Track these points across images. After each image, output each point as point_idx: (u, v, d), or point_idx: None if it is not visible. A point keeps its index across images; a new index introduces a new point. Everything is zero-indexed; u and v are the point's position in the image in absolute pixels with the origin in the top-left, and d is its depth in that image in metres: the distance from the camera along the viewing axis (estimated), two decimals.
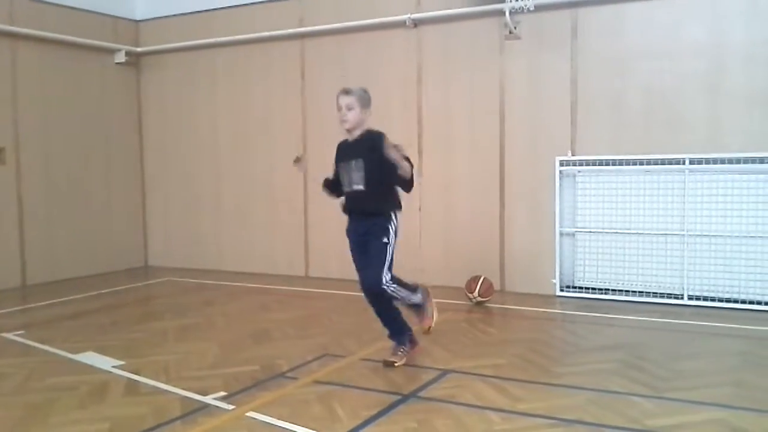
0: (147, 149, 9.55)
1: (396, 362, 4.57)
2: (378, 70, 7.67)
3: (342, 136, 4.68)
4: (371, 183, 4.45)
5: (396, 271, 4.52)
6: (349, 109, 4.47)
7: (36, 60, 8.17)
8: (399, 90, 7.62)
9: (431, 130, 7.52)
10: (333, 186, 4.76)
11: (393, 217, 4.53)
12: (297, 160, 4.87)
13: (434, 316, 4.78)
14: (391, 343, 4.71)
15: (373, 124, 4.68)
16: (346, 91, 4.50)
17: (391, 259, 4.49)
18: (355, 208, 4.60)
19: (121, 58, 9.04)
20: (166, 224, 9.47)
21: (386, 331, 4.73)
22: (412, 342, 4.72)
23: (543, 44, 6.90)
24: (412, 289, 4.65)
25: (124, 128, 9.30)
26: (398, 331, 4.68)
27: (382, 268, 4.40)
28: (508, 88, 7.11)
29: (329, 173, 4.78)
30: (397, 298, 4.55)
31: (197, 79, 9.05)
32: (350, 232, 4.65)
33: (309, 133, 8.14)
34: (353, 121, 4.49)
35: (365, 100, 4.52)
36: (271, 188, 8.56)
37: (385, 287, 4.40)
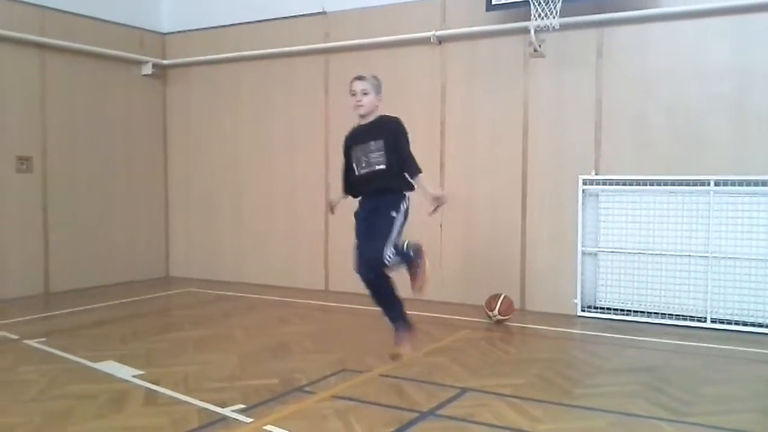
0: (171, 161, 9.65)
1: (402, 353, 4.55)
2: (402, 86, 7.69)
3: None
4: (391, 163, 4.49)
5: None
6: (364, 93, 4.57)
7: (65, 71, 8.31)
8: (422, 106, 7.63)
9: (454, 147, 7.52)
10: (349, 185, 4.83)
11: (406, 197, 4.57)
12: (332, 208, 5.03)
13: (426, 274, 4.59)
14: (394, 335, 4.66)
15: None
16: (360, 77, 4.63)
17: (396, 237, 4.45)
18: (370, 188, 4.59)
19: (148, 70, 9.16)
20: (188, 235, 9.54)
21: (386, 318, 4.70)
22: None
23: (567, 63, 6.89)
24: (406, 252, 4.54)
25: (149, 140, 9.41)
26: (397, 312, 4.63)
27: (386, 241, 4.37)
28: (532, 106, 7.09)
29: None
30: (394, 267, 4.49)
31: (222, 92, 9.13)
32: (359, 213, 4.66)
33: (331, 148, 8.16)
34: (368, 106, 4.59)
35: (378, 87, 4.64)
36: (292, 201, 8.60)
37: (386, 262, 4.35)
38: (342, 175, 4.92)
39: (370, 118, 4.63)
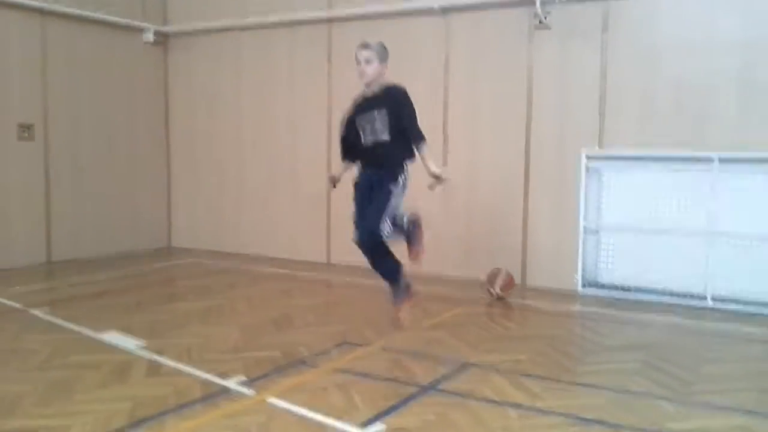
0: (173, 130, 9.60)
1: (401, 318, 4.66)
2: (405, 58, 7.59)
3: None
4: (395, 133, 4.54)
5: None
6: (368, 62, 4.60)
7: (66, 37, 8.23)
8: (426, 78, 7.55)
9: (457, 120, 7.46)
10: (349, 153, 4.87)
11: (405, 168, 4.61)
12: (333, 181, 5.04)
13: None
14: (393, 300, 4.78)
15: None
16: (365, 45, 4.66)
17: (393, 209, 4.54)
18: (374, 159, 4.64)
19: (149, 37, 9.08)
20: (191, 206, 9.53)
21: (385, 284, 4.78)
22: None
23: (573, 35, 6.81)
24: (403, 226, 4.66)
25: (151, 108, 9.35)
26: (394, 277, 4.70)
27: (381, 216, 4.47)
28: (536, 79, 7.02)
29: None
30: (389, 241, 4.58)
31: (224, 60, 9.06)
32: (359, 182, 4.73)
33: (335, 118, 8.10)
34: (372, 74, 4.62)
35: (383, 55, 4.66)
36: (295, 173, 8.57)
37: (382, 235, 4.45)
38: (340, 142, 4.93)
39: (375, 87, 4.66)
